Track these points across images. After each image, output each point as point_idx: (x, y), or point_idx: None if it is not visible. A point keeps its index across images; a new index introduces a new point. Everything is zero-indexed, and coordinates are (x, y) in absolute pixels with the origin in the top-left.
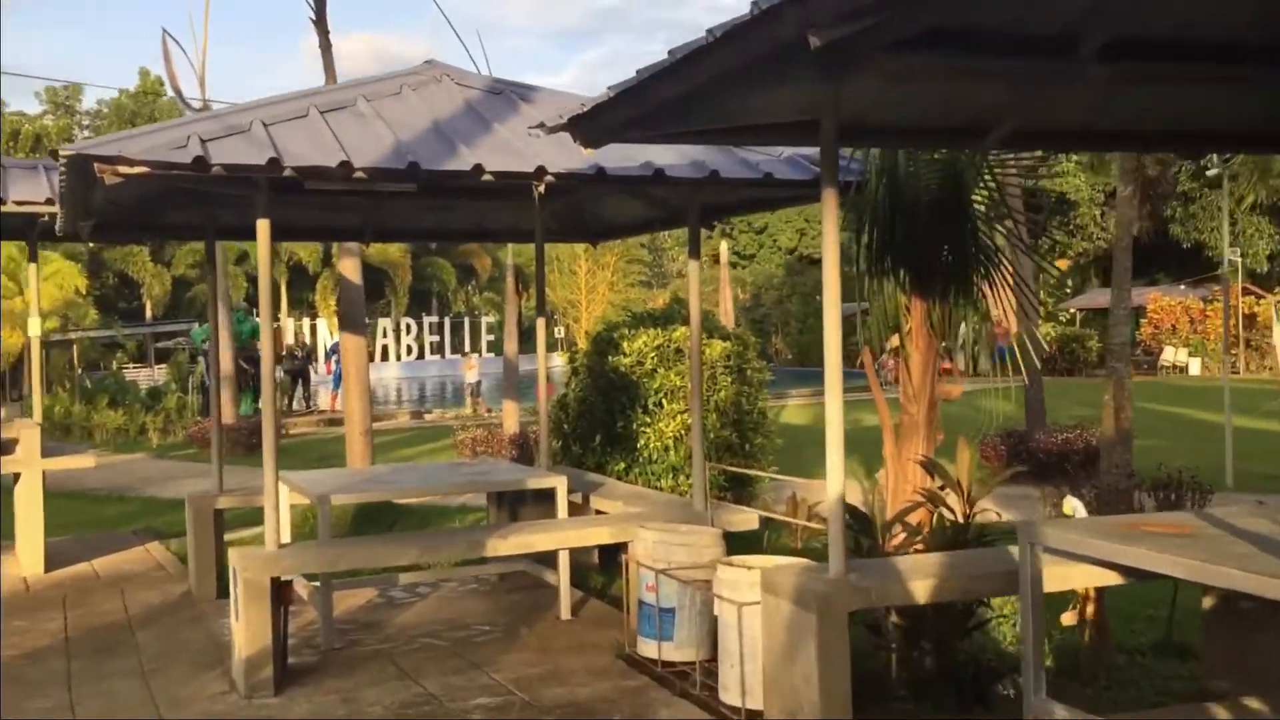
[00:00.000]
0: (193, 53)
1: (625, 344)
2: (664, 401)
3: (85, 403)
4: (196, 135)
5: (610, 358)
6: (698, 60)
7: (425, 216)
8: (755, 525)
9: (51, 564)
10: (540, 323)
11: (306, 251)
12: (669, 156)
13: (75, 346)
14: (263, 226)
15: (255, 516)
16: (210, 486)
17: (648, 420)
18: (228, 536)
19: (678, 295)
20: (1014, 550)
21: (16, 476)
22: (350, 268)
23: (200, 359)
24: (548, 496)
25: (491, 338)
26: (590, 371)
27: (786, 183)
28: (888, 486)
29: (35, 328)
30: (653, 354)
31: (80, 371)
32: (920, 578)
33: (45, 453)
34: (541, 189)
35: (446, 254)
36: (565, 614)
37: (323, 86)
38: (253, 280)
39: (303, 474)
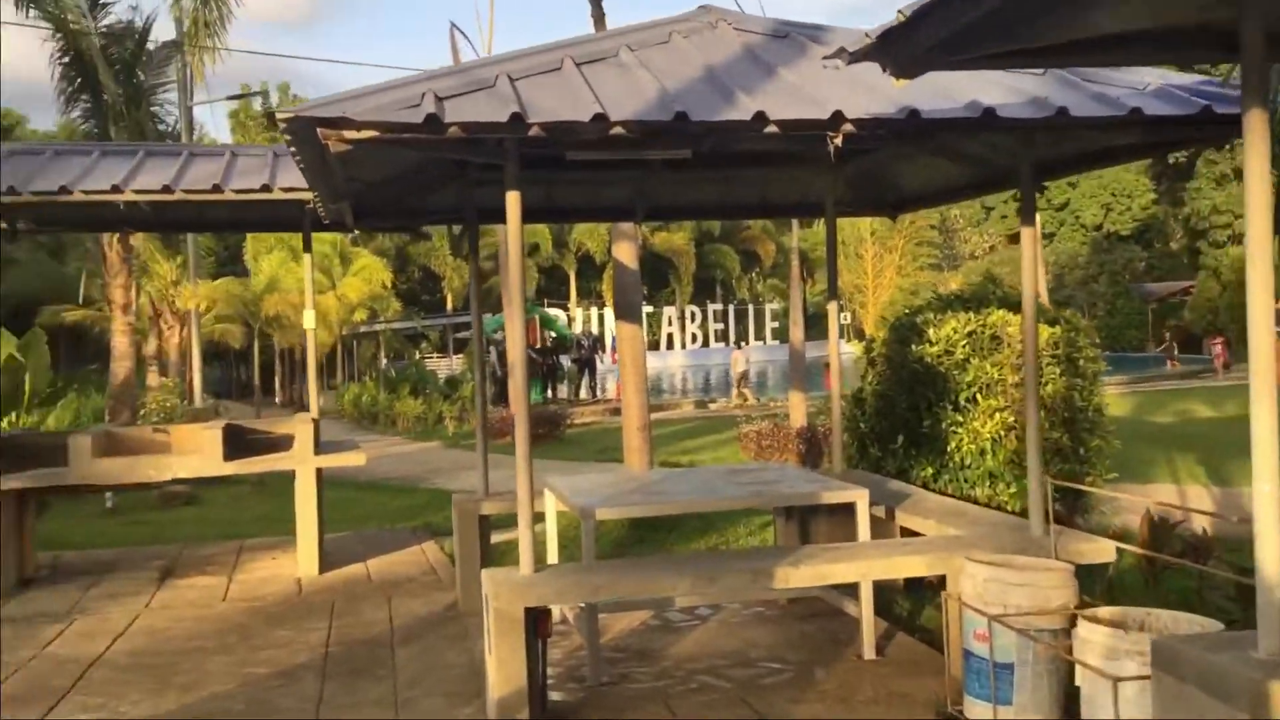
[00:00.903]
0: (479, 45)
1: (931, 330)
2: (979, 397)
3: (389, 391)
4: (432, 92)
5: (914, 346)
6: None
7: (702, 190)
8: (1111, 557)
9: (328, 563)
10: (832, 307)
11: (594, 241)
12: (995, 94)
13: (380, 337)
14: (512, 200)
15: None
16: (477, 488)
17: (959, 419)
18: (496, 538)
19: (990, 273)
20: None
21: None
22: (626, 252)
23: (492, 349)
24: (844, 506)
25: (775, 324)
26: (890, 362)
27: (1161, 121)
28: None
29: (310, 320)
30: (964, 341)
31: (385, 362)
32: None
33: (320, 449)
34: (838, 140)
35: (730, 240)
36: (868, 653)
37: (581, 36)
38: (544, 271)
39: (569, 481)
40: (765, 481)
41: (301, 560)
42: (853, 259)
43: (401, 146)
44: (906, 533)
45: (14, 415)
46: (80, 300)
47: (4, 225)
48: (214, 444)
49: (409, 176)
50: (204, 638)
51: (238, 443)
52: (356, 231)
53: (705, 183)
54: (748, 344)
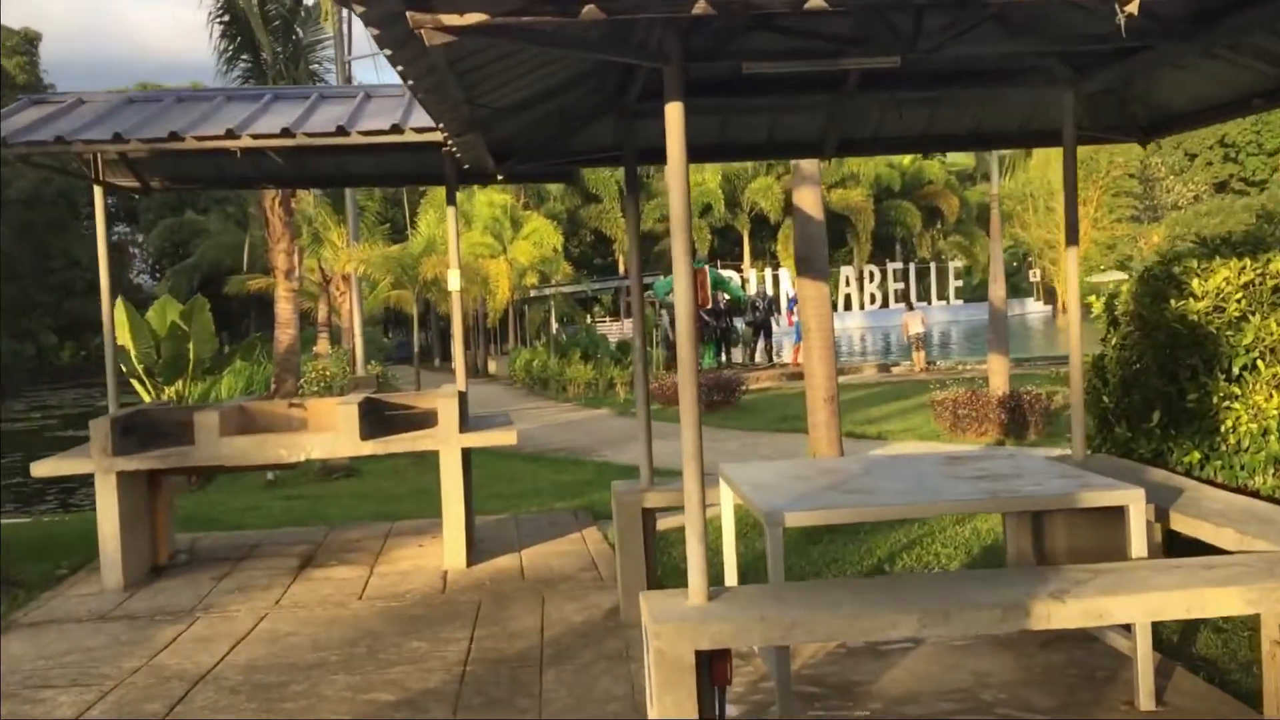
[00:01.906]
0: None
1: (1195, 282)
2: (1259, 364)
3: (559, 356)
4: None
5: (1172, 302)
6: None
7: (904, 116)
8: None
9: (479, 552)
10: (1071, 253)
11: (768, 200)
12: None
13: (551, 301)
14: (673, 114)
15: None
16: (640, 476)
17: (1235, 391)
18: (666, 523)
19: (1265, 209)
20: None
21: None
22: (809, 199)
23: (664, 313)
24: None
25: (959, 283)
26: (1140, 322)
27: None
28: None
29: (454, 282)
30: (1239, 295)
31: (556, 326)
32: None
33: (469, 424)
34: (1132, 8)
35: (910, 195)
36: (1145, 701)
37: None
38: (717, 232)
39: (749, 473)
40: (997, 475)
41: (447, 552)
42: (1042, 212)
43: (524, 40)
44: (1183, 543)
45: (179, 384)
46: (244, 268)
47: (138, 183)
48: (349, 421)
49: (552, 102)
50: (329, 648)
51: (378, 419)
52: (500, 178)
53: (908, 107)
54: (929, 304)
